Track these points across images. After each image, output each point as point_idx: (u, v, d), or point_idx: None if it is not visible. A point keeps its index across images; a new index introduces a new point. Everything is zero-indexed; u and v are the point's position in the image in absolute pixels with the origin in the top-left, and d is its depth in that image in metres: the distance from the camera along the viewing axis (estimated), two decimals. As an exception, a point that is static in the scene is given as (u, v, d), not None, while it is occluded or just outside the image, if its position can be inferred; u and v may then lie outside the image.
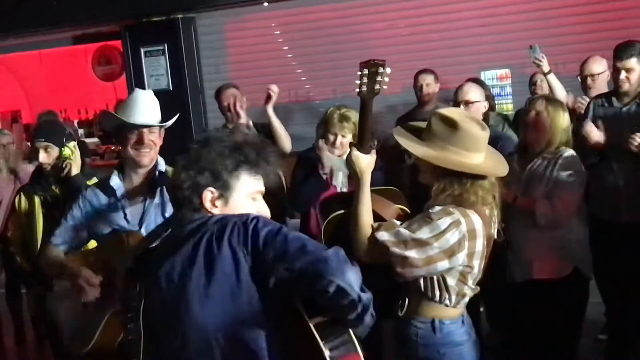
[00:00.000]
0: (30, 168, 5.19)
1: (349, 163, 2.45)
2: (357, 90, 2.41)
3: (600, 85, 4.47)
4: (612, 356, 4.20)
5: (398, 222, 2.42)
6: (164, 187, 2.80)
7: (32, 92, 9.97)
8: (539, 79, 5.01)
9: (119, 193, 2.87)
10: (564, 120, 3.50)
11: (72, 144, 3.84)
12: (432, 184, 2.44)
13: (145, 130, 2.78)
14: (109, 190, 2.88)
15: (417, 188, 2.67)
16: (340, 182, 3.67)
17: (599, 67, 4.50)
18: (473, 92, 4.02)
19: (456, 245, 2.32)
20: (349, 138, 3.69)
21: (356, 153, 2.42)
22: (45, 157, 3.74)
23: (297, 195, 3.84)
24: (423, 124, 2.53)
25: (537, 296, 3.47)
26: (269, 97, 4.39)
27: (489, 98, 4.49)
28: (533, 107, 3.54)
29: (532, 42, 4.85)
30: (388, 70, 2.40)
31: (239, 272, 1.78)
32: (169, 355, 1.88)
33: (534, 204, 3.40)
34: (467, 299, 2.48)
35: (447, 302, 2.43)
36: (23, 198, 3.92)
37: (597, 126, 3.88)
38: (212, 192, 1.92)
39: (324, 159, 3.71)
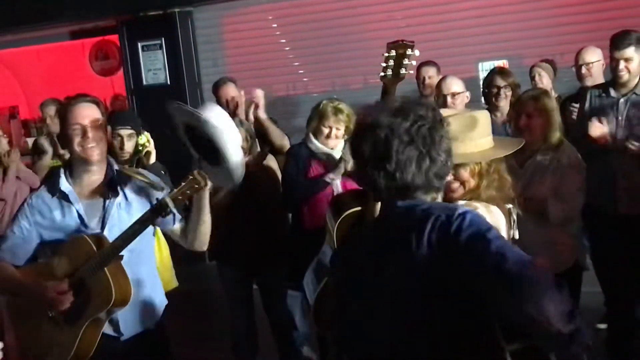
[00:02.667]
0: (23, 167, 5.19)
1: None
2: (382, 74, 2.25)
3: (595, 74, 4.48)
4: (612, 346, 4.21)
5: None
6: (126, 185, 2.69)
7: (29, 88, 9.94)
8: (537, 73, 4.99)
9: (71, 197, 2.67)
10: (555, 115, 3.49)
11: (146, 133, 3.77)
12: (469, 191, 2.31)
13: (88, 124, 2.63)
14: (60, 195, 2.69)
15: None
16: (335, 177, 3.68)
17: (593, 56, 4.50)
18: (457, 84, 4.16)
19: None
20: (342, 131, 3.73)
21: None
22: (130, 146, 3.66)
23: (290, 191, 3.83)
24: None
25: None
26: (257, 105, 4.23)
27: (516, 86, 4.47)
28: (523, 110, 3.49)
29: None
30: (417, 52, 2.26)
31: (430, 272, 1.58)
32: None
33: (542, 204, 3.39)
34: None
35: None
36: None
37: (599, 120, 3.85)
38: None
39: (318, 152, 3.72)
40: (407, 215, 1.65)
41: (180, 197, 2.49)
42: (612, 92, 3.96)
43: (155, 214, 2.53)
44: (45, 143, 5.38)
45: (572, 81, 4.79)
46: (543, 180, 3.44)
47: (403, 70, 2.25)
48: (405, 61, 2.24)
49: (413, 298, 1.61)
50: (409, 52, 2.26)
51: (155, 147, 3.86)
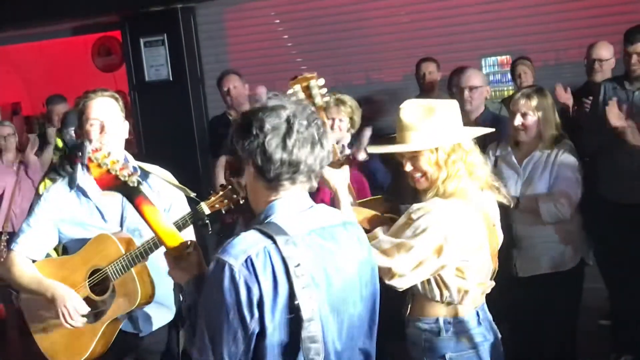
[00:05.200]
0: (35, 159, 5.21)
1: (324, 181, 2.28)
2: None
3: (607, 71, 4.46)
4: (617, 340, 4.20)
5: (381, 231, 2.28)
6: (143, 181, 2.66)
7: (31, 84, 9.94)
8: (522, 71, 4.95)
9: (90, 193, 2.69)
10: (552, 112, 3.48)
11: None
12: (433, 182, 2.29)
13: (106, 119, 2.67)
14: (78, 190, 2.71)
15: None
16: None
17: (607, 52, 4.48)
18: (476, 78, 4.06)
19: (442, 240, 2.18)
20: (345, 122, 3.77)
21: (326, 171, 2.24)
22: None
23: None
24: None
25: (540, 288, 3.47)
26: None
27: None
28: (518, 109, 3.47)
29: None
30: (321, 81, 2.22)
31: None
32: None
33: (536, 204, 3.38)
34: (476, 295, 2.31)
35: (449, 299, 2.28)
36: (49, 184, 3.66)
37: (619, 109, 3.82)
38: None
39: None
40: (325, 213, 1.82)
41: (216, 206, 2.46)
42: (627, 85, 3.97)
43: (190, 221, 2.51)
44: (52, 135, 5.40)
45: (577, 76, 4.78)
46: (541, 177, 3.44)
47: (318, 100, 2.21)
48: (315, 91, 2.21)
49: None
50: (312, 82, 2.23)
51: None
